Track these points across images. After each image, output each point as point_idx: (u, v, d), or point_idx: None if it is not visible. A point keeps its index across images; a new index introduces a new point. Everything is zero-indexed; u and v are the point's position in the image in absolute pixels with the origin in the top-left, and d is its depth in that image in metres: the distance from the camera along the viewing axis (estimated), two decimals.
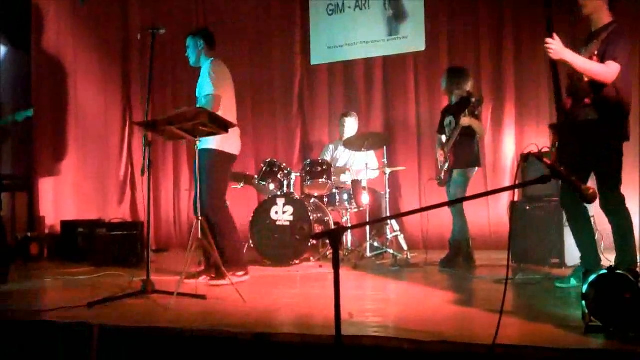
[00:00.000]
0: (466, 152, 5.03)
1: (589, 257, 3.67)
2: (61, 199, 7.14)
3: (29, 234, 6.54)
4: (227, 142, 4.49)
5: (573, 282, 3.74)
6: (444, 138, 5.26)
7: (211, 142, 4.41)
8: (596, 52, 3.49)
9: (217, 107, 4.37)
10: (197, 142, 4.02)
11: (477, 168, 5.15)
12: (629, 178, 5.74)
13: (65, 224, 6.68)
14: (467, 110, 4.87)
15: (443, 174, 5.14)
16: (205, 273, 4.39)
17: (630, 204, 5.78)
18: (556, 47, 3.40)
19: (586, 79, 3.48)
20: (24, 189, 6.94)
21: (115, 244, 5.91)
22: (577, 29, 4.96)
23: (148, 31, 4.12)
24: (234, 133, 4.47)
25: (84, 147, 7.38)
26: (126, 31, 7.89)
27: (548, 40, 3.41)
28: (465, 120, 4.87)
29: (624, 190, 4.53)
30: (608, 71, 3.41)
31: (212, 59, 4.60)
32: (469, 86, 5.20)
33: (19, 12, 6.96)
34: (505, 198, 6.24)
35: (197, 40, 4.68)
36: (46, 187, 7.02)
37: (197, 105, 4.40)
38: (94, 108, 7.57)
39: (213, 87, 4.42)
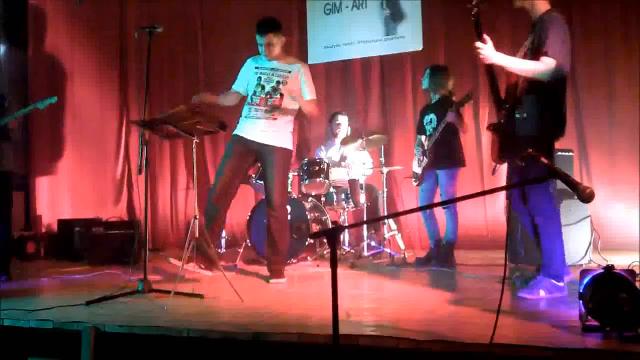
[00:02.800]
0: (450, 151, 5.03)
1: (553, 264, 3.47)
2: (58, 197, 7.13)
3: (25, 233, 6.54)
4: (292, 142, 4.63)
5: (524, 295, 3.47)
6: (423, 138, 5.25)
7: (287, 142, 4.50)
8: (528, 47, 3.40)
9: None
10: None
11: (460, 167, 5.12)
12: (629, 178, 5.80)
13: (61, 222, 6.68)
14: (453, 107, 4.87)
15: (420, 172, 5.13)
16: (194, 261, 4.31)
17: (631, 204, 5.89)
18: (486, 52, 3.32)
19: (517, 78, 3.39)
20: (20, 187, 6.92)
21: (112, 243, 5.92)
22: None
23: (145, 30, 4.10)
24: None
25: (81, 146, 7.37)
26: (123, 30, 7.88)
27: (477, 44, 3.31)
28: (450, 116, 4.86)
29: (625, 189, 4.59)
30: (543, 68, 3.27)
31: (302, 62, 4.71)
32: (450, 85, 5.21)
33: (16, 11, 6.94)
34: (501, 198, 6.25)
35: (281, 34, 4.64)
36: (43, 185, 7.01)
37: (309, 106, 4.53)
38: (90, 107, 7.56)
39: (315, 94, 4.60)
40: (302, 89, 4.53)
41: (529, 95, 3.41)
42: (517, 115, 3.39)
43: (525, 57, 3.44)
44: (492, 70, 3.37)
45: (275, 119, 4.47)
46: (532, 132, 3.38)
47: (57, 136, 7.20)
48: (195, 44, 7.90)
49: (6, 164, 5.08)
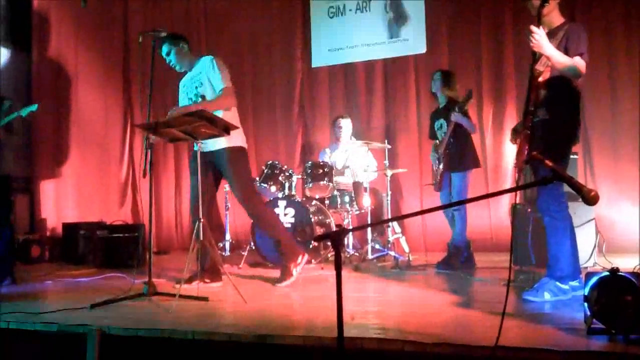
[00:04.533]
0: (462, 154, 5.03)
1: (559, 266, 3.47)
2: (62, 201, 7.15)
3: (30, 236, 6.56)
4: (242, 137, 4.52)
5: (547, 296, 3.43)
6: (438, 142, 5.26)
7: (232, 139, 4.36)
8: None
9: (235, 101, 4.40)
10: (199, 144, 4.02)
11: (473, 169, 5.13)
12: (633, 180, 5.79)
13: (66, 226, 6.70)
14: (457, 107, 4.87)
15: (438, 178, 5.13)
16: (199, 278, 4.34)
17: (630, 204, 5.88)
18: (540, 38, 3.33)
19: (541, 79, 3.43)
20: (25, 191, 6.96)
21: (117, 246, 5.92)
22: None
23: (149, 34, 4.11)
24: (240, 128, 4.46)
25: (85, 149, 7.39)
26: (127, 34, 7.92)
27: (533, 28, 3.32)
28: (454, 116, 4.86)
29: (629, 191, 4.54)
30: (580, 66, 3.34)
31: (211, 55, 4.52)
32: (457, 88, 5.24)
33: (20, 14, 6.97)
34: (506, 200, 6.24)
35: (181, 44, 4.58)
36: (47, 189, 7.03)
37: (213, 99, 4.35)
38: (95, 110, 7.58)
39: (227, 81, 4.38)
40: (212, 83, 4.41)
41: (550, 99, 3.45)
42: (537, 119, 3.42)
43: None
44: (534, 75, 3.38)
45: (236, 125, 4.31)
46: (550, 135, 3.43)
47: (61, 140, 7.22)
48: (199, 47, 7.91)
49: (5, 168, 5.09)
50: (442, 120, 5.14)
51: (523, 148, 3.34)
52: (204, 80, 4.40)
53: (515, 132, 3.73)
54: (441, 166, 5.08)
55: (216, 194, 4.71)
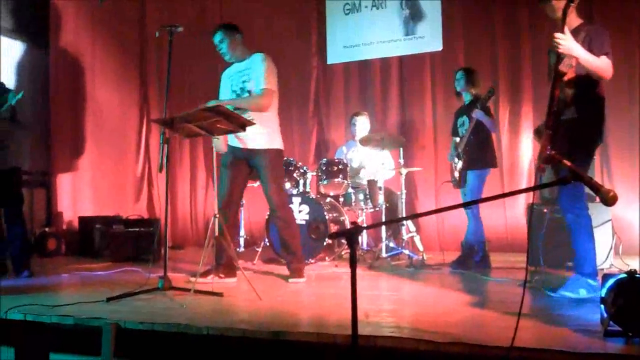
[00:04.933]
0: (481, 152, 5.01)
1: (587, 263, 3.53)
2: (79, 195, 7.20)
3: (46, 230, 6.62)
4: (281, 141, 4.59)
5: (565, 293, 3.51)
6: (457, 140, 5.25)
7: (274, 141, 4.48)
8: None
9: (271, 104, 4.43)
10: (213, 143, 4.04)
11: (491, 169, 5.11)
12: (629, 177, 5.73)
13: (82, 220, 6.76)
14: (478, 104, 4.86)
15: (457, 175, 5.12)
16: (213, 272, 4.40)
17: (631, 203, 5.81)
18: (567, 42, 3.29)
19: (565, 79, 3.41)
20: (42, 184, 7.02)
21: (132, 241, 5.98)
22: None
23: (166, 29, 4.13)
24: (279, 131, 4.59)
25: (102, 144, 7.44)
26: (143, 29, 7.95)
27: (558, 34, 3.30)
28: (476, 113, 4.85)
29: (625, 188, 4.47)
30: (608, 66, 3.37)
31: (263, 53, 4.54)
32: (480, 86, 5.24)
33: (37, 10, 7.02)
34: (522, 200, 6.21)
35: (236, 35, 4.62)
36: (64, 183, 7.08)
37: (248, 96, 4.41)
38: (111, 105, 7.62)
39: (271, 83, 4.42)
40: (254, 80, 4.43)
41: (578, 98, 3.46)
42: (563, 117, 3.42)
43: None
44: (559, 75, 3.36)
45: (252, 118, 4.29)
46: (577, 134, 3.44)
47: (78, 134, 7.27)
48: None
49: (12, 161, 5.09)
50: (464, 118, 5.12)
51: (545, 148, 3.33)
52: (252, 76, 4.43)
53: (538, 133, 3.71)
54: (460, 163, 5.06)
55: (243, 191, 4.73)
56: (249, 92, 4.42)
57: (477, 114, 4.85)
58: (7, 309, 3.24)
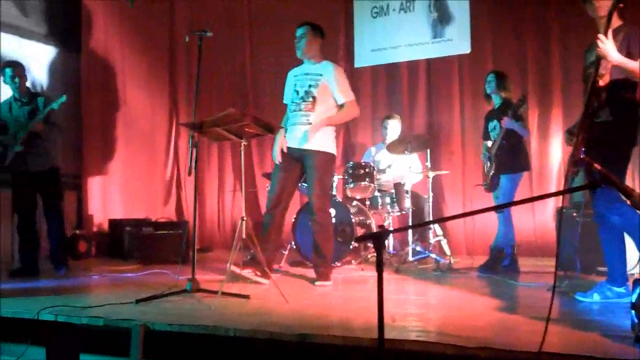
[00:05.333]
0: (513, 156, 4.96)
1: (616, 270, 3.51)
2: (109, 198, 7.31)
3: (77, 232, 6.72)
4: (335, 148, 4.65)
5: (595, 297, 3.50)
6: (489, 143, 5.21)
7: (328, 145, 4.54)
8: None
9: (358, 109, 4.72)
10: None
11: (523, 173, 5.07)
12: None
13: (112, 222, 6.86)
14: (509, 112, 4.81)
15: (490, 179, 5.08)
16: (252, 267, 4.43)
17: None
18: (607, 46, 3.25)
19: (602, 83, 3.35)
20: (73, 187, 7.13)
21: (161, 243, 6.05)
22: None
23: (195, 34, 4.17)
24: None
25: (132, 147, 7.54)
26: (173, 33, 8.05)
27: (601, 37, 3.26)
28: (506, 122, 4.80)
29: None
30: None
31: (334, 63, 4.70)
32: (511, 89, 5.21)
33: (69, 15, 7.16)
34: (551, 204, 6.13)
35: (318, 36, 4.71)
36: (95, 186, 7.19)
37: (340, 111, 4.57)
38: (141, 109, 7.73)
39: (350, 92, 4.61)
40: (334, 94, 4.56)
41: (614, 101, 3.40)
42: (599, 119, 3.38)
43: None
44: (596, 78, 3.32)
45: (311, 123, 4.49)
46: (613, 137, 3.40)
47: (109, 137, 7.38)
48: (243, 46, 8.01)
49: (51, 161, 5.26)
50: (496, 122, 5.08)
51: (578, 151, 3.28)
52: (321, 83, 4.51)
53: (570, 134, 3.66)
54: (492, 167, 5.03)
55: (293, 193, 4.77)
56: (314, 97, 4.49)
57: (506, 123, 4.81)
58: (39, 310, 3.30)
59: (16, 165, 5.14)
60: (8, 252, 5.90)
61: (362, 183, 5.63)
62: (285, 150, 4.55)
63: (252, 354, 2.88)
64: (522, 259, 5.11)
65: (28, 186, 5.20)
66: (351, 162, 5.82)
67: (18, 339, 3.30)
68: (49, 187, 5.30)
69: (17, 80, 5.18)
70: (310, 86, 4.52)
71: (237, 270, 4.29)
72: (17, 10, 6.50)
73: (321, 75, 4.54)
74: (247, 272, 4.35)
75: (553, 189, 6.23)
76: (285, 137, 4.58)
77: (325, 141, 4.52)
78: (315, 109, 4.49)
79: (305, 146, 4.47)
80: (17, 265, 5.29)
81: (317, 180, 4.49)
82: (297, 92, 4.56)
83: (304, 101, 4.52)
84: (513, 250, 5.00)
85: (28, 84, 5.36)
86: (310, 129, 4.43)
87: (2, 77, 5.26)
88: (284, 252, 5.74)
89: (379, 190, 5.91)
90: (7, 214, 5.95)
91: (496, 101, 5.20)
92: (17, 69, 5.22)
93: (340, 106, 4.57)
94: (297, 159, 4.57)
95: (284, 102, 4.80)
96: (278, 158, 4.56)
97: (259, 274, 4.39)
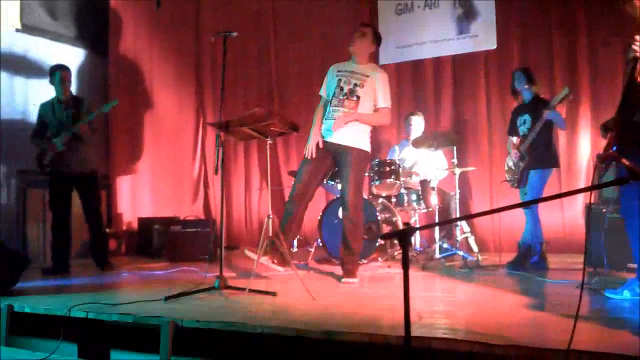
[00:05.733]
0: (546, 151, 4.91)
1: None
2: (138, 196, 7.41)
3: (107, 230, 6.82)
4: (369, 144, 4.68)
5: (626, 294, 3.46)
6: (514, 139, 5.16)
7: (364, 143, 4.58)
8: None
9: (389, 120, 4.82)
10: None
11: (554, 169, 5.02)
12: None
13: (141, 220, 6.96)
14: (551, 103, 4.77)
15: (519, 175, 5.03)
16: (270, 256, 4.45)
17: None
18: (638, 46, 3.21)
19: None
20: (103, 186, 7.24)
21: (189, 241, 6.12)
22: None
23: (220, 35, 4.21)
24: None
25: (160, 147, 7.63)
26: (199, 34, 8.11)
27: (638, 38, 3.22)
28: (549, 113, 4.75)
29: None
30: None
31: (382, 71, 4.72)
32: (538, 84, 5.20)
33: (97, 18, 7.26)
34: (580, 200, 6.05)
35: (376, 43, 4.79)
36: (124, 185, 7.30)
37: (374, 114, 4.62)
38: (168, 109, 7.81)
39: (389, 101, 4.66)
40: (377, 97, 4.59)
41: None
42: (635, 119, 3.33)
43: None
44: (634, 77, 3.28)
45: (351, 120, 4.51)
46: None
47: (137, 137, 7.48)
48: (268, 45, 8.04)
49: (91, 165, 5.40)
50: (526, 116, 5.04)
51: (610, 147, 3.24)
52: (366, 84, 4.55)
53: (605, 129, 3.62)
54: (522, 163, 4.98)
55: (319, 186, 4.80)
56: (358, 97, 4.53)
57: (551, 114, 4.76)
58: (70, 307, 3.36)
59: (55, 166, 5.26)
60: (38, 251, 6.03)
61: (388, 180, 5.62)
62: (321, 145, 4.57)
63: (279, 350, 2.90)
64: (550, 256, 5.05)
65: (66, 187, 5.35)
66: (377, 160, 5.81)
67: (51, 335, 3.38)
68: (90, 190, 5.46)
69: (66, 83, 5.34)
70: (355, 85, 4.55)
71: (252, 255, 4.32)
72: (46, 14, 6.62)
73: (368, 76, 4.57)
74: (264, 260, 4.38)
75: (582, 185, 6.15)
76: (321, 130, 4.60)
77: (361, 138, 4.55)
78: (357, 107, 4.52)
79: (343, 142, 4.50)
80: (48, 263, 5.40)
81: (353, 176, 4.51)
82: (342, 89, 4.58)
83: (348, 99, 4.54)
84: (541, 247, 4.95)
85: None
86: (337, 119, 4.45)
87: (50, 79, 5.39)
88: (310, 249, 5.76)
89: (405, 188, 5.89)
90: (38, 214, 6.10)
91: (527, 96, 5.15)
92: (66, 73, 5.38)
93: (376, 110, 4.60)
94: (330, 154, 4.59)
95: (320, 93, 4.81)
96: (313, 153, 4.57)
97: (275, 261, 4.41)
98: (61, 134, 5.20)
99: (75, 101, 5.39)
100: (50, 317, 3.44)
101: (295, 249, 6.51)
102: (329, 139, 4.56)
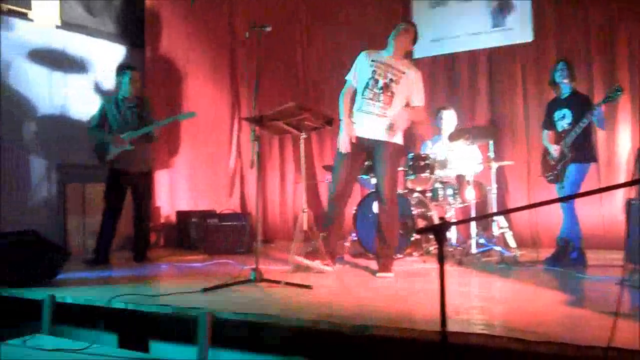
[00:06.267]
0: (586, 146, 4.84)
1: None
2: (176, 190, 7.51)
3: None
4: (402, 137, 4.68)
5: None
6: (550, 133, 5.08)
7: (398, 137, 4.59)
8: None
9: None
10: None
11: (593, 163, 4.94)
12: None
13: (180, 214, 7.06)
14: (601, 101, 4.69)
15: (559, 169, 4.96)
16: (319, 257, 4.48)
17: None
18: None
19: None
20: None
21: (226, 234, 6.20)
22: None
23: (254, 29, 4.24)
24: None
25: (197, 142, 7.70)
26: (233, 28, 8.16)
27: None
28: (598, 112, 4.68)
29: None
30: None
31: (417, 70, 4.72)
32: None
33: (134, 13, 7.37)
34: (619, 195, 5.92)
35: (413, 42, 4.77)
36: (162, 179, 7.40)
37: (414, 111, 4.63)
38: (204, 104, 7.87)
39: (424, 100, 4.68)
40: (413, 95, 4.59)
41: None
42: None
43: None
44: None
45: (385, 116, 4.51)
46: None
47: (174, 133, 7.56)
48: (302, 40, 8.06)
49: (148, 165, 5.70)
50: (565, 111, 4.96)
51: None
52: (402, 81, 4.55)
53: None
54: (563, 159, 4.91)
55: (355, 182, 4.82)
56: (393, 92, 4.51)
57: (598, 113, 4.69)
58: (110, 298, 3.44)
59: (117, 163, 5.41)
60: (78, 243, 6.17)
61: (423, 174, 5.59)
62: (354, 140, 4.57)
63: (314, 343, 2.93)
64: (590, 252, 4.97)
65: (124, 182, 5.49)
66: (411, 154, 5.78)
67: (92, 325, 3.46)
68: (145, 189, 5.65)
69: (135, 83, 5.49)
70: (391, 80, 4.53)
71: (304, 261, 4.39)
72: (83, 10, 6.75)
73: (404, 73, 4.55)
74: (315, 263, 4.44)
75: (621, 180, 6.02)
76: (353, 125, 4.59)
77: (397, 133, 4.55)
78: (392, 104, 4.51)
79: (377, 137, 4.50)
80: (89, 255, 5.53)
81: (389, 171, 4.51)
82: (377, 81, 4.55)
83: (384, 93, 4.53)
84: (580, 242, 4.87)
85: (93, 81, 5.58)
86: (389, 128, 4.46)
87: (117, 77, 5.54)
88: (345, 243, 5.77)
89: (441, 182, 5.84)
90: (78, 207, 6.25)
91: (565, 90, 5.06)
92: (136, 73, 5.53)
93: (411, 107, 4.60)
94: (364, 149, 4.60)
95: (347, 78, 4.76)
96: (347, 147, 4.57)
97: (326, 263, 4.45)
98: (129, 132, 5.34)
99: (140, 101, 5.53)
100: (91, 307, 3.53)
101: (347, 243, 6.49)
102: (363, 135, 4.55)
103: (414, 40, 4.72)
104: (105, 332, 3.30)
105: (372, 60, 4.62)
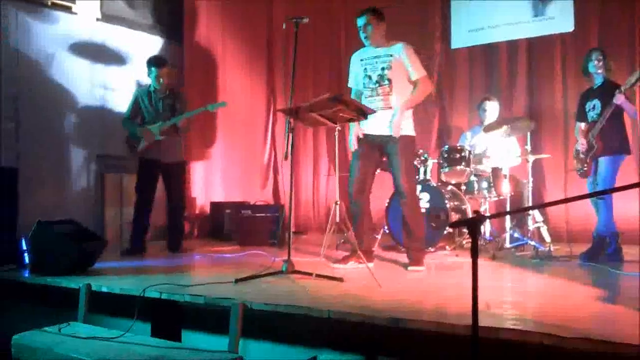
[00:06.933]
0: (615, 137, 4.71)
1: None
2: (210, 182, 7.59)
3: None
4: (413, 127, 4.62)
5: None
6: (583, 125, 4.97)
7: (408, 128, 4.53)
8: None
9: (431, 84, 4.76)
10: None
11: (625, 156, 4.80)
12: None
13: (213, 205, 7.14)
14: (623, 88, 4.56)
15: (587, 163, 4.85)
16: (354, 258, 4.50)
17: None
18: None
19: None
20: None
21: (259, 225, 6.25)
22: None
23: (292, 21, 4.24)
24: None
25: (232, 133, 7.77)
26: (270, 20, 8.19)
27: None
28: (619, 98, 4.55)
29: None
30: None
31: (403, 42, 4.58)
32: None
33: (173, 6, 7.45)
34: None
35: (382, 21, 4.64)
36: (197, 170, 7.49)
37: (415, 92, 4.50)
38: (240, 96, 7.94)
39: (422, 68, 4.54)
40: (408, 71, 4.47)
41: None
42: None
43: None
44: None
45: (390, 107, 4.45)
46: None
47: (210, 124, 7.64)
48: (339, 32, 8.04)
49: (181, 155, 5.74)
50: (595, 101, 4.85)
51: None
52: (392, 64, 4.48)
53: None
54: (590, 151, 4.80)
55: (374, 177, 4.80)
56: (389, 80, 4.46)
57: (619, 98, 4.56)
58: (145, 288, 3.50)
59: (148, 153, 5.48)
60: (115, 233, 6.29)
61: (458, 167, 5.53)
62: (361, 137, 4.55)
63: (345, 335, 2.93)
64: (626, 247, 4.86)
65: (155, 173, 5.58)
66: (446, 146, 5.72)
67: (126, 314, 3.53)
68: (178, 179, 5.71)
69: (165, 78, 5.51)
70: (383, 69, 4.47)
71: (341, 266, 4.43)
72: (124, 3, 6.85)
73: (391, 55, 4.47)
74: (351, 264, 4.45)
75: None
76: (360, 123, 4.55)
77: (404, 124, 4.46)
78: (392, 91, 4.46)
79: (386, 132, 4.45)
80: (126, 245, 5.63)
81: (403, 164, 4.46)
82: (370, 77, 4.52)
83: (380, 85, 4.48)
84: (616, 238, 4.76)
85: (132, 73, 5.64)
86: (394, 123, 4.37)
87: (149, 70, 5.57)
88: (376, 236, 5.76)
89: (476, 175, 5.78)
90: (115, 198, 6.37)
91: (597, 80, 4.94)
92: (164, 69, 5.52)
93: (414, 83, 4.49)
94: (377, 146, 4.56)
95: (349, 85, 4.77)
96: (355, 145, 4.57)
97: (361, 261, 4.43)
98: (159, 123, 5.43)
99: (172, 92, 5.59)
100: (126, 296, 3.60)
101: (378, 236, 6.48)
102: (372, 132, 4.52)
103: (378, 18, 4.57)
104: (138, 321, 3.35)
105: (361, 60, 4.62)
